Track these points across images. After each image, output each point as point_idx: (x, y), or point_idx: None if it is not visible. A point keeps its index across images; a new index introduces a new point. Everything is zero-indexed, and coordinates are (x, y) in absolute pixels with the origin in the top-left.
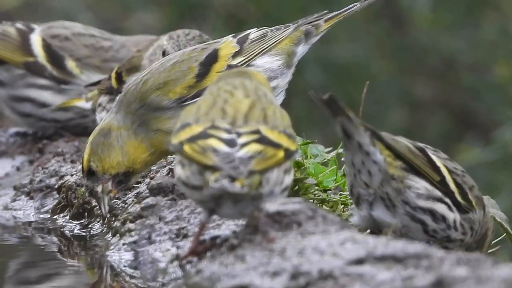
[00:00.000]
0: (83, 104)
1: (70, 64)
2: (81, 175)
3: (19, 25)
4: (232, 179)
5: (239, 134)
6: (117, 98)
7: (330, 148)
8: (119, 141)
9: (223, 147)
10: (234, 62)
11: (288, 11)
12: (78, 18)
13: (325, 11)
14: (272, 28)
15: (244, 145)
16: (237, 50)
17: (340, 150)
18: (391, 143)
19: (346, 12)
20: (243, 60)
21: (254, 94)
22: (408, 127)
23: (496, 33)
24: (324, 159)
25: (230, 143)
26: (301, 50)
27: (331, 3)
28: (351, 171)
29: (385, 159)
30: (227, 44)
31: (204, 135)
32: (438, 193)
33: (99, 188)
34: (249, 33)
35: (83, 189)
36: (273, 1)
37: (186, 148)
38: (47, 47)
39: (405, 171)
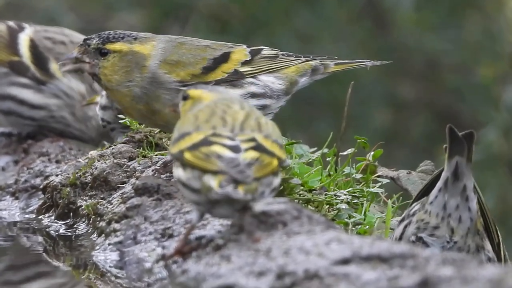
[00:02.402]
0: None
1: (54, 66)
2: (95, 42)
3: (10, 23)
4: (235, 185)
5: (239, 141)
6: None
7: (315, 148)
8: (136, 75)
9: (228, 153)
10: (242, 69)
11: (272, 13)
12: (61, 19)
13: (335, 57)
14: (284, 52)
15: (244, 151)
16: (247, 59)
17: (325, 150)
18: (482, 196)
19: (357, 64)
20: (250, 71)
21: (248, 107)
22: (392, 128)
23: (480, 34)
24: (309, 159)
25: (235, 149)
26: (303, 82)
27: (314, 5)
28: (439, 213)
29: (477, 210)
30: (241, 50)
31: (206, 142)
32: (495, 258)
33: (84, 58)
34: (263, 49)
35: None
36: (257, 2)
37: (187, 155)
38: (33, 47)
39: (484, 230)
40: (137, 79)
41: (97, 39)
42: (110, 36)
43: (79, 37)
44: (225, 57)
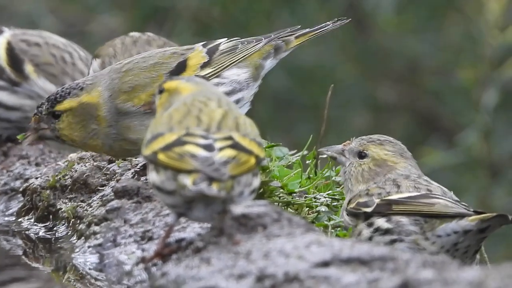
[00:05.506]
0: None
1: (29, 68)
2: (47, 107)
3: None
4: (209, 182)
5: (214, 140)
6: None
7: (295, 151)
8: (93, 127)
9: (202, 152)
10: (202, 73)
11: (254, 16)
12: (42, 22)
13: (298, 27)
14: (243, 40)
15: (219, 150)
16: (206, 61)
17: (305, 152)
18: None
19: (318, 31)
20: (211, 72)
21: (226, 105)
22: (372, 130)
23: (460, 36)
24: (289, 162)
25: (208, 148)
26: (269, 64)
27: (295, 8)
28: (445, 246)
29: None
30: (197, 53)
31: (179, 142)
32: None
33: (42, 125)
34: (220, 43)
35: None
36: (238, 5)
37: (161, 157)
38: (10, 50)
39: None
40: (96, 129)
41: (47, 103)
42: (58, 96)
43: (57, 39)
44: (181, 67)
